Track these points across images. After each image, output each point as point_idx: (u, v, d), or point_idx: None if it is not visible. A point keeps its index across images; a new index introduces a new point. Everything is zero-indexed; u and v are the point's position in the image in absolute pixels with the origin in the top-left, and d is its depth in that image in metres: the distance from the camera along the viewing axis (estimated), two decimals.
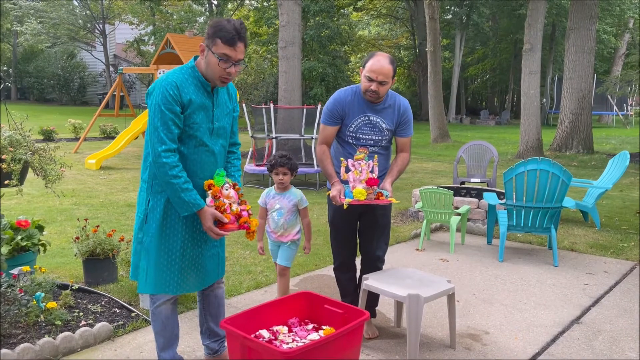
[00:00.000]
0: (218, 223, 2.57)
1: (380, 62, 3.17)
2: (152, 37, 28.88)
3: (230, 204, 2.61)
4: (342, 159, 3.24)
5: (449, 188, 6.75)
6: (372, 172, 3.14)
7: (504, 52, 34.79)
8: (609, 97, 27.80)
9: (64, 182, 8.69)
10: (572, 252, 5.57)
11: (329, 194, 3.23)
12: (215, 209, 2.58)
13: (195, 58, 2.66)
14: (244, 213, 2.65)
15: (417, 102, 34.62)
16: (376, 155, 3.24)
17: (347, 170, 3.17)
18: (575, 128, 14.41)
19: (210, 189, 2.59)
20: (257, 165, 9.25)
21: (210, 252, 2.82)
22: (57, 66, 31.95)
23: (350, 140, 3.34)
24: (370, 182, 3.10)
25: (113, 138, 14.55)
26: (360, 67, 3.29)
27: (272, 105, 9.89)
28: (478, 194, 6.86)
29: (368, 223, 3.49)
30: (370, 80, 3.18)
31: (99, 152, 11.52)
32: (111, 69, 32.33)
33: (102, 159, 11.14)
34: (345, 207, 3.07)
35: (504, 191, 5.30)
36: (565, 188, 5.01)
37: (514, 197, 5.18)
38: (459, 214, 5.79)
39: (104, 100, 14.38)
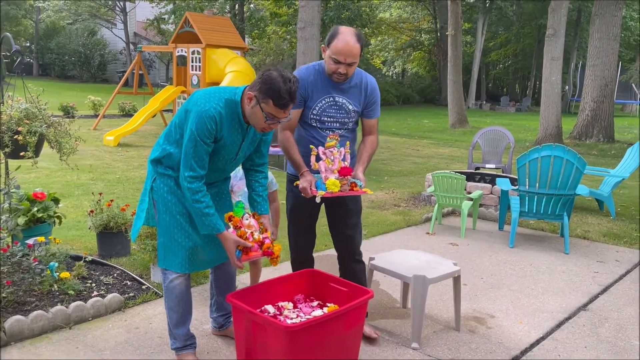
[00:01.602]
0: (242, 251, 2.64)
1: (346, 40, 2.83)
2: (172, 16, 28.84)
3: (251, 232, 2.68)
4: (312, 146, 2.90)
5: (463, 173, 6.72)
6: (344, 160, 2.88)
7: (528, 37, 34.11)
8: (633, 85, 27.22)
9: (82, 157, 8.82)
10: (584, 240, 5.53)
11: (297, 184, 2.94)
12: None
13: (244, 87, 2.60)
14: (267, 240, 2.71)
15: (436, 87, 34.24)
16: (348, 142, 2.97)
17: (318, 158, 2.86)
18: (596, 116, 14.17)
19: (231, 220, 2.66)
20: (272, 146, 9.29)
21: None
22: (78, 43, 32.13)
23: (315, 124, 3.03)
24: (343, 172, 2.85)
25: (131, 116, 14.66)
26: (323, 45, 2.94)
27: None
28: (492, 179, 6.82)
29: (342, 215, 3.19)
30: (338, 62, 2.86)
31: (117, 129, 11.63)
32: (131, 47, 32.45)
33: (120, 136, 11.25)
34: (317, 200, 2.83)
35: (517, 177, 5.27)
36: (579, 175, 4.96)
37: (527, 183, 5.14)
38: (470, 199, 5.77)
39: (123, 78, 14.48)
